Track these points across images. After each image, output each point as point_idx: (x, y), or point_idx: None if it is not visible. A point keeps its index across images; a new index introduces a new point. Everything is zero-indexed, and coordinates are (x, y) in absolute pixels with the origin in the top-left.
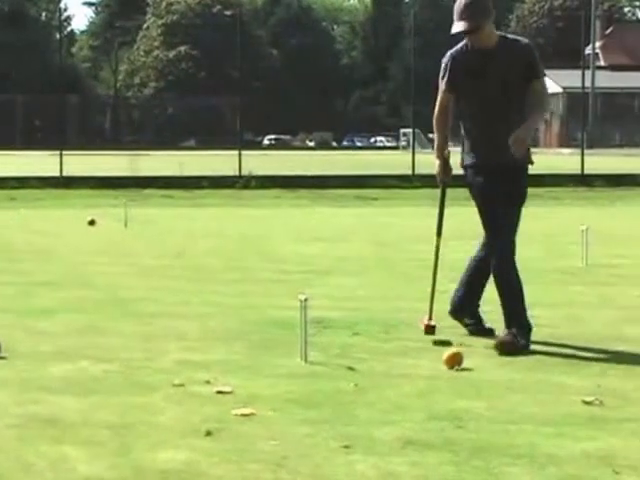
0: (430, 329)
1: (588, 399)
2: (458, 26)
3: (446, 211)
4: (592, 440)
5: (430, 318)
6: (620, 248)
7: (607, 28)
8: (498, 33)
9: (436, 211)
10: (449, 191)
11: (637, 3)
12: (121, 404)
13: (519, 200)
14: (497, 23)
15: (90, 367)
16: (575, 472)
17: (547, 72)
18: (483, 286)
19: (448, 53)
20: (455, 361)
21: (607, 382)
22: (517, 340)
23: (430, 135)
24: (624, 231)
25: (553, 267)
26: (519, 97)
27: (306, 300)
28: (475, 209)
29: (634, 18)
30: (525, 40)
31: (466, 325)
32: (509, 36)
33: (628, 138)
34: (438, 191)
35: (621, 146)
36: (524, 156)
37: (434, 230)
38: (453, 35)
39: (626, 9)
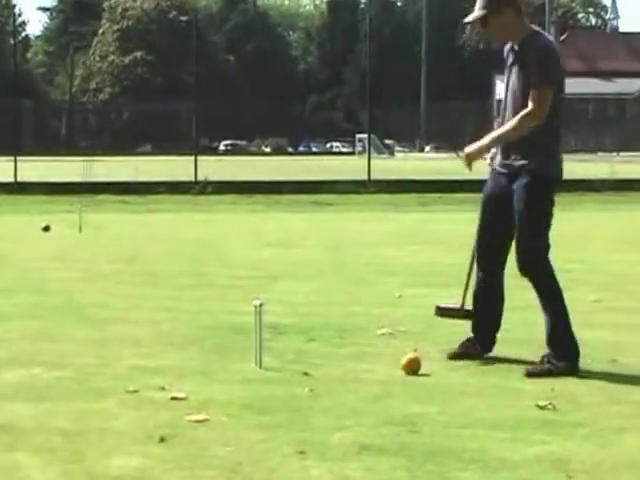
0: (466, 312)
1: (542, 403)
2: (468, 17)
3: (408, 216)
4: (545, 444)
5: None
6: (575, 253)
7: (562, 34)
8: (534, 29)
9: (395, 216)
10: (404, 197)
11: (591, 10)
12: (75, 410)
13: None
14: (452, 28)
15: (44, 373)
16: (528, 476)
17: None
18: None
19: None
20: (413, 367)
21: (561, 386)
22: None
23: (386, 141)
24: (579, 236)
25: (509, 272)
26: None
27: (261, 305)
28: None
29: (588, 24)
30: (542, 41)
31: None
32: (539, 33)
33: (583, 143)
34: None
35: (576, 151)
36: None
37: (390, 235)
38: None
39: (580, 15)
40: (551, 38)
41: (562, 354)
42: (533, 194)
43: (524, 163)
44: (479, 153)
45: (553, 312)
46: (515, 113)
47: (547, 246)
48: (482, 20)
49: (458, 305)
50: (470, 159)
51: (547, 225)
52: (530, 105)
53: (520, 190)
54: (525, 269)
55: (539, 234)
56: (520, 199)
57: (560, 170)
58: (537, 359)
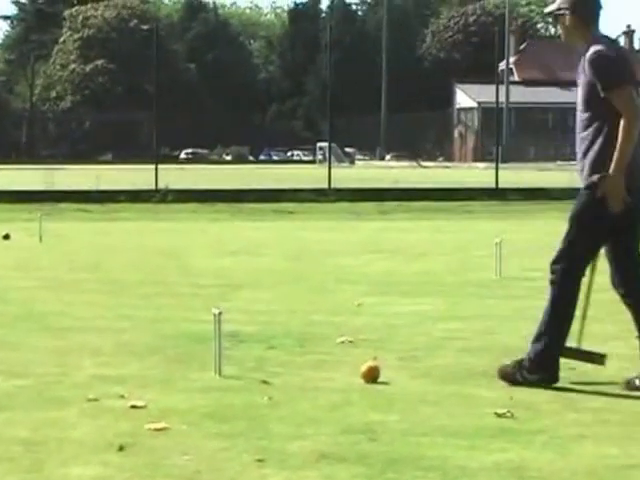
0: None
1: (500, 411)
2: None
3: (368, 225)
4: (503, 452)
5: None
6: (533, 261)
7: (521, 44)
8: (595, 37)
9: (356, 224)
10: (364, 205)
11: (550, 19)
12: (34, 420)
13: None
14: (413, 38)
15: (3, 382)
16: None
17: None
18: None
19: None
20: (373, 375)
21: (519, 394)
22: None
23: (347, 149)
24: (537, 244)
25: (467, 280)
26: (589, 114)
27: (220, 314)
28: None
29: (547, 34)
30: (592, 48)
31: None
32: (595, 41)
33: (542, 152)
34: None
35: (536, 160)
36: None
37: (350, 243)
38: None
39: (539, 25)
40: (606, 46)
41: (537, 365)
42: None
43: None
44: (619, 187)
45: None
46: (580, 123)
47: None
48: (556, 15)
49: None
50: (616, 196)
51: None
52: (622, 111)
53: None
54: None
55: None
56: None
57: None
58: (495, 367)
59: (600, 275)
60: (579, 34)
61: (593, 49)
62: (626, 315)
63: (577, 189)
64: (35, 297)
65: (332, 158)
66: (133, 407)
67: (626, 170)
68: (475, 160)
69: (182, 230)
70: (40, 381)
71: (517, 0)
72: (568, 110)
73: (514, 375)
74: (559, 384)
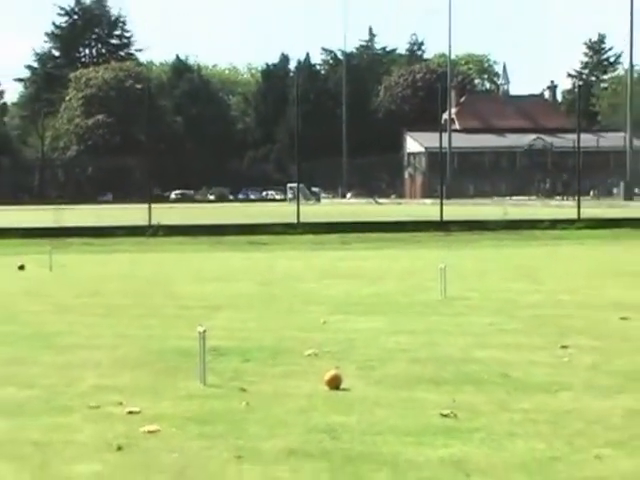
0: None
1: (445, 412)
2: None
3: (331, 254)
4: (447, 448)
5: None
6: (473, 283)
7: (461, 97)
8: None
9: (320, 253)
10: (328, 237)
11: (485, 76)
12: (43, 424)
13: None
14: (368, 93)
15: (16, 393)
16: (432, 476)
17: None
18: None
19: None
20: (336, 382)
21: (461, 397)
22: None
23: (313, 188)
24: (476, 268)
25: (416, 300)
26: None
27: (204, 331)
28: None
29: (484, 88)
30: None
31: None
32: None
33: (480, 189)
34: (315, 237)
35: (474, 196)
36: None
37: (315, 270)
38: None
39: (477, 81)
40: None
41: None
42: None
43: None
44: None
45: None
46: None
47: None
48: None
49: None
50: None
51: None
52: None
53: None
54: None
55: None
56: None
57: None
58: (440, 374)
59: (529, 294)
60: None
61: None
62: (549, 328)
63: (510, 221)
64: (43, 319)
65: (300, 196)
66: (129, 413)
67: None
68: (423, 197)
69: (170, 260)
70: (47, 391)
71: (457, 60)
72: (501, 153)
73: None
74: (494, 389)
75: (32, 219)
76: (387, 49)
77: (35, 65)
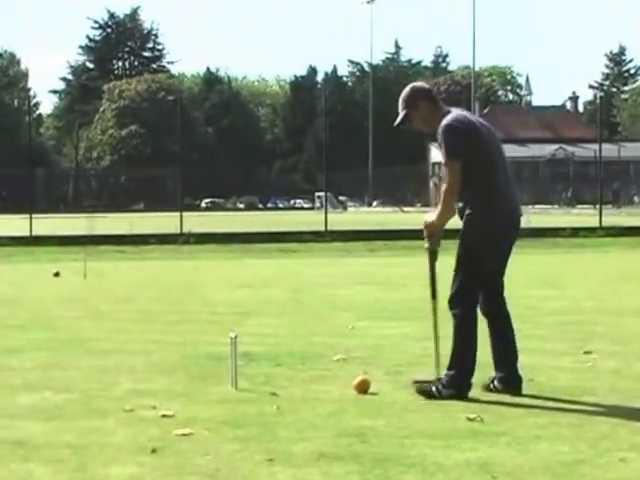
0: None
1: (471, 416)
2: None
3: (358, 261)
4: (474, 451)
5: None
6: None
7: (484, 108)
8: (446, 110)
9: (348, 260)
10: (355, 244)
11: (509, 87)
12: (79, 427)
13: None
14: (394, 104)
15: (53, 397)
16: (459, 478)
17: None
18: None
19: None
20: (364, 387)
21: (487, 402)
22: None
23: (340, 197)
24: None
25: (441, 306)
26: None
27: (236, 337)
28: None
29: (507, 100)
30: (444, 121)
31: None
32: (445, 114)
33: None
34: (343, 244)
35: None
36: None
37: (343, 277)
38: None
39: (500, 92)
40: (460, 113)
41: (449, 380)
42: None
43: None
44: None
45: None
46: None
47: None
48: (405, 118)
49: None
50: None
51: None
52: (447, 179)
53: None
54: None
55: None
56: None
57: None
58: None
59: (552, 300)
60: (434, 114)
61: (446, 119)
62: (572, 334)
63: (534, 229)
64: (80, 325)
65: (328, 205)
66: (163, 416)
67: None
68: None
69: (202, 267)
70: (84, 395)
71: (481, 71)
72: (524, 163)
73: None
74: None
75: (67, 227)
76: (412, 61)
77: (70, 77)
